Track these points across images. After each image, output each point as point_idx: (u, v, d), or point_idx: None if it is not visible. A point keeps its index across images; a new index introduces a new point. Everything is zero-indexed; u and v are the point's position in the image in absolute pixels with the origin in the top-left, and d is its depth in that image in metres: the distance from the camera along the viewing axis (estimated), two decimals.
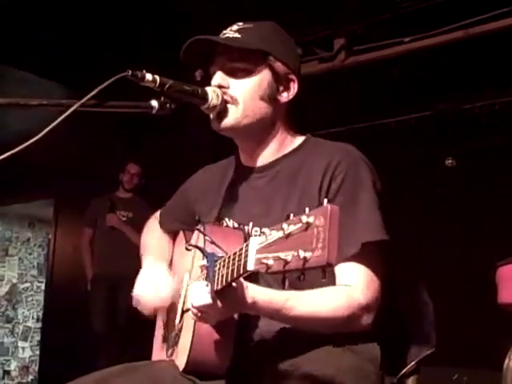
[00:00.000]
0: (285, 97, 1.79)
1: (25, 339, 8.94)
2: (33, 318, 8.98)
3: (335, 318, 1.58)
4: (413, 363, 1.79)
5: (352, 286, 1.62)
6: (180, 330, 1.75)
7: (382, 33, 4.53)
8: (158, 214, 2.18)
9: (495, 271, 3.40)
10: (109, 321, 5.72)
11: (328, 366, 1.58)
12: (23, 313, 9.06)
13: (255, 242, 1.24)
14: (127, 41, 4.74)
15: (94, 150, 6.50)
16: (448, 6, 4.12)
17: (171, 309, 1.92)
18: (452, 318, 3.75)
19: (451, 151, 5.40)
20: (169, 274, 1.93)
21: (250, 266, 1.24)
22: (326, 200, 1.13)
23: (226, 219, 1.84)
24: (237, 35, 1.75)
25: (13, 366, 8.87)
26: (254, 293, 1.49)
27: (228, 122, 1.74)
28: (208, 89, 1.70)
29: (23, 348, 8.91)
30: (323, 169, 1.71)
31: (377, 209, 1.68)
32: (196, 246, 1.61)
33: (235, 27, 1.78)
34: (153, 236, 2.14)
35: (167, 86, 1.57)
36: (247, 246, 1.27)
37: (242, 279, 1.45)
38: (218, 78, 1.75)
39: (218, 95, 1.71)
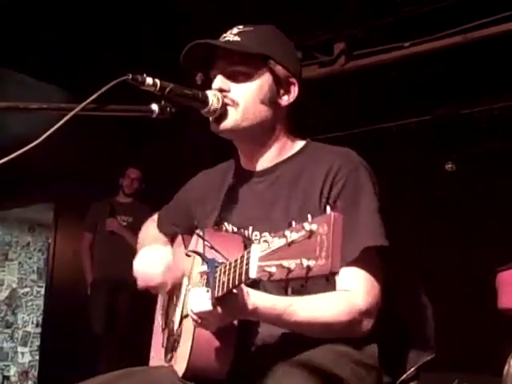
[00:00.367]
0: (285, 100, 1.79)
1: (24, 344, 8.93)
2: (32, 323, 8.97)
3: (336, 324, 1.58)
4: (412, 369, 1.79)
5: (352, 291, 1.61)
6: (179, 336, 1.75)
7: (381, 37, 4.53)
8: (155, 216, 2.17)
9: (495, 276, 3.40)
10: (109, 325, 5.71)
11: (325, 356, 1.58)
12: (23, 318, 9.04)
13: (257, 250, 1.23)
14: (127, 42, 4.74)
15: (94, 154, 6.49)
16: (447, 10, 4.13)
17: (170, 313, 1.92)
18: (452, 323, 3.74)
19: (451, 156, 5.41)
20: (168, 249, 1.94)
21: (253, 274, 1.23)
22: (328, 208, 1.12)
23: (226, 223, 1.83)
24: (237, 38, 1.75)
25: (12, 371, 8.85)
26: (255, 299, 1.49)
27: (227, 123, 1.74)
28: (208, 92, 1.70)
29: (23, 353, 8.90)
30: (324, 174, 1.70)
31: (377, 214, 1.68)
32: (196, 252, 1.61)
33: (235, 30, 1.77)
34: (150, 235, 2.14)
35: (168, 89, 1.57)
36: (249, 253, 1.25)
37: (243, 286, 1.45)
38: (219, 81, 1.75)
39: (218, 99, 1.71)
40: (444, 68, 4.80)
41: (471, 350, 4.78)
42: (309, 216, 1.14)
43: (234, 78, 1.75)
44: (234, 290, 1.42)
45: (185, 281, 1.81)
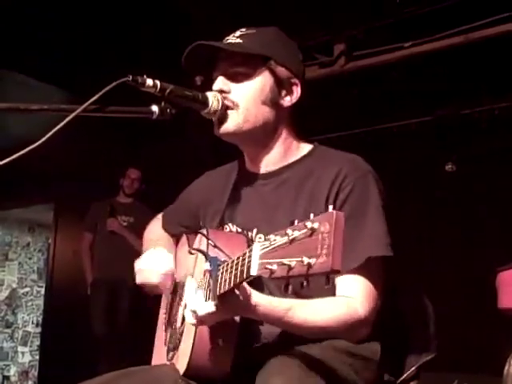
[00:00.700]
0: (288, 101, 1.79)
1: (24, 344, 8.92)
2: (32, 322, 8.96)
3: (335, 328, 1.59)
4: (413, 368, 1.79)
5: (353, 298, 1.62)
6: (181, 334, 1.75)
7: (381, 38, 4.53)
8: (160, 215, 2.17)
9: (495, 276, 3.40)
10: (109, 325, 5.71)
11: (324, 350, 1.58)
12: (23, 317, 9.03)
13: (259, 247, 1.23)
14: (127, 42, 4.74)
15: (94, 154, 6.49)
16: (448, 11, 4.13)
17: (173, 311, 1.92)
18: (452, 323, 3.74)
19: (451, 156, 5.41)
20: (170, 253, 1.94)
21: (254, 271, 1.23)
22: (331, 206, 1.13)
23: (230, 224, 1.84)
24: (239, 41, 1.75)
25: (12, 371, 8.84)
26: (257, 300, 1.49)
27: (229, 127, 1.74)
28: (209, 94, 1.71)
29: (23, 353, 8.89)
30: (331, 179, 1.70)
31: (383, 223, 1.68)
32: (199, 250, 1.61)
33: (238, 33, 1.78)
34: (154, 235, 2.14)
35: (168, 91, 1.58)
36: (251, 250, 1.26)
37: (246, 285, 1.46)
38: (220, 82, 1.75)
39: (218, 100, 1.71)
40: (444, 69, 4.80)
41: (471, 349, 4.78)
42: (311, 215, 1.14)
43: (235, 79, 1.75)
44: (236, 291, 1.43)
45: (188, 279, 1.81)
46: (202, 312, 1.48)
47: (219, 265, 1.45)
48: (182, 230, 2.06)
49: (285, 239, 1.16)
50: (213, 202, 1.93)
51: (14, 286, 9.16)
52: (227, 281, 1.39)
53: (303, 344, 1.60)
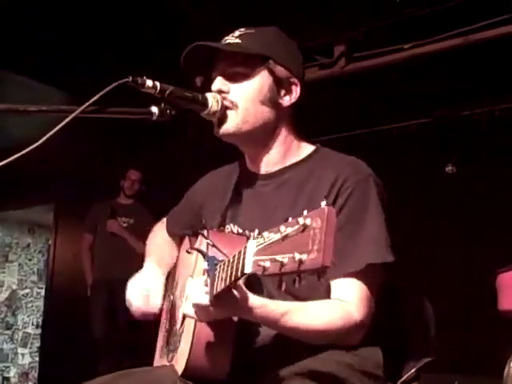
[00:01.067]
0: (287, 100, 1.78)
1: (24, 346, 8.93)
2: (32, 324, 8.96)
3: (330, 332, 1.59)
4: (413, 370, 1.79)
5: (348, 302, 1.61)
6: (181, 335, 1.75)
7: (382, 40, 4.53)
8: (164, 219, 2.18)
9: (495, 278, 3.40)
10: (109, 326, 5.71)
11: (329, 363, 1.58)
12: (23, 319, 9.04)
13: (253, 245, 1.23)
14: (127, 42, 4.74)
15: (94, 155, 6.50)
16: (448, 12, 4.13)
17: (173, 313, 1.92)
18: (452, 325, 3.74)
19: (451, 158, 5.41)
20: (162, 283, 1.93)
21: (248, 269, 1.23)
22: (323, 202, 1.12)
23: (231, 225, 1.84)
24: (238, 41, 1.75)
25: (12, 372, 8.85)
26: (254, 302, 1.49)
27: (228, 127, 1.74)
28: (208, 95, 1.70)
29: (23, 354, 8.89)
30: (331, 182, 1.69)
31: (383, 227, 1.67)
32: (197, 249, 1.62)
33: (237, 33, 1.78)
34: (157, 241, 2.14)
35: (167, 92, 1.58)
36: (245, 248, 1.26)
37: (243, 287, 1.46)
38: (218, 82, 1.75)
39: (217, 101, 1.71)
40: (444, 70, 4.80)
41: (472, 351, 4.78)
42: (304, 211, 1.14)
43: (234, 79, 1.75)
44: (234, 291, 1.43)
45: (188, 280, 1.81)
46: (195, 300, 1.48)
47: (217, 264, 1.45)
48: (185, 232, 2.06)
49: (278, 236, 1.16)
50: (214, 201, 1.93)
51: (14, 287, 9.16)
52: (223, 279, 1.39)
53: (301, 346, 1.60)
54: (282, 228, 1.15)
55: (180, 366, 1.65)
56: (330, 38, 4.71)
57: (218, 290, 1.41)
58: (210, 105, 1.69)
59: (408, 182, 5.40)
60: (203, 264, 1.50)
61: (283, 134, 1.81)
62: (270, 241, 1.18)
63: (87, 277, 5.94)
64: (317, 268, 1.08)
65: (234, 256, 1.35)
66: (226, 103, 1.73)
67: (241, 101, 1.73)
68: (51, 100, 5.53)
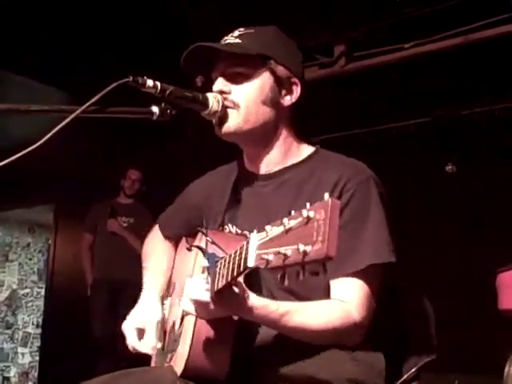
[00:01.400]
0: (288, 100, 1.78)
1: (24, 345, 8.92)
2: (33, 323, 8.96)
3: (329, 333, 1.59)
4: (413, 370, 1.79)
5: (349, 303, 1.62)
6: (179, 336, 1.75)
7: (381, 39, 4.53)
8: (156, 227, 2.16)
9: (495, 277, 3.40)
10: (109, 326, 5.70)
11: (330, 375, 1.58)
12: (23, 319, 9.04)
13: (256, 238, 1.23)
14: (127, 42, 4.74)
15: (94, 155, 6.49)
16: (448, 12, 4.13)
17: (172, 313, 1.92)
18: (452, 324, 3.74)
19: (451, 157, 5.41)
20: (159, 317, 1.92)
21: (251, 263, 1.23)
22: (326, 194, 1.12)
23: (230, 225, 1.84)
24: (237, 41, 1.74)
25: (12, 372, 8.84)
26: (254, 302, 1.49)
27: (229, 127, 1.74)
28: (209, 95, 1.70)
29: (23, 354, 8.89)
30: (333, 183, 1.69)
31: (385, 229, 1.67)
32: (197, 246, 1.62)
33: (236, 33, 1.77)
34: (154, 244, 2.13)
35: (168, 92, 1.58)
36: (248, 242, 1.26)
37: (244, 286, 1.46)
38: (220, 83, 1.74)
39: (218, 101, 1.71)
40: (444, 69, 4.80)
41: (472, 350, 4.78)
42: (307, 203, 1.14)
43: (235, 79, 1.75)
44: (235, 288, 1.43)
45: (187, 280, 1.81)
46: (196, 296, 1.49)
47: (217, 261, 1.45)
48: (180, 232, 2.05)
49: (281, 229, 1.16)
50: (213, 202, 1.93)
51: (14, 286, 9.16)
52: (224, 276, 1.39)
53: (301, 346, 1.60)
54: (286, 221, 1.15)
55: (179, 366, 1.65)
56: (330, 37, 4.71)
57: (219, 286, 1.41)
58: (210, 104, 1.69)
59: (408, 181, 5.40)
60: (203, 261, 1.50)
61: (283, 135, 1.81)
62: (273, 234, 1.18)
63: (87, 276, 5.94)
64: (321, 258, 1.07)
65: (236, 251, 1.35)
66: (228, 103, 1.73)
67: (242, 101, 1.73)
68: (52, 100, 5.53)
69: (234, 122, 1.73)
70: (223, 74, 1.76)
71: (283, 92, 1.78)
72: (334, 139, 5.43)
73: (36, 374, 8.26)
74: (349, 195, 1.67)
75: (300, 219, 1.12)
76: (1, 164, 1.38)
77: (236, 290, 1.44)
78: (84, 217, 6.15)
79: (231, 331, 1.61)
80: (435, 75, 4.92)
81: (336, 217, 1.09)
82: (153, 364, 1.99)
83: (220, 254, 1.48)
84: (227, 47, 1.74)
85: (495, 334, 4.06)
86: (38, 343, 8.53)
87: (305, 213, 1.12)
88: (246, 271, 1.31)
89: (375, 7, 4.35)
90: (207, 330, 1.60)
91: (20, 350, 8.92)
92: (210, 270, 1.45)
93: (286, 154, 1.82)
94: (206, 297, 1.47)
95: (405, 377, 1.79)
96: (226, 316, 1.57)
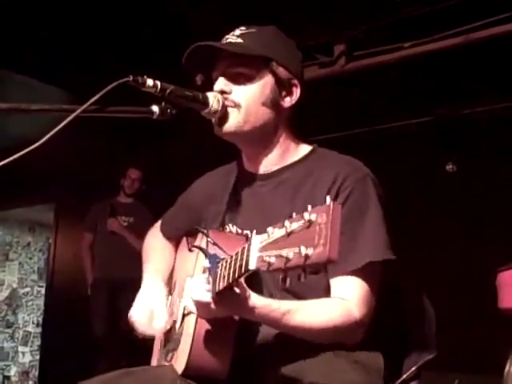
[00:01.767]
0: (288, 102, 1.79)
1: (25, 344, 8.93)
2: (33, 322, 8.97)
3: (331, 331, 1.59)
4: (413, 368, 1.79)
5: (349, 301, 1.62)
6: (180, 334, 1.76)
7: (382, 38, 4.53)
8: (158, 223, 2.17)
9: (496, 276, 3.40)
10: (109, 325, 5.71)
11: (332, 379, 1.58)
12: (23, 318, 9.04)
13: (257, 241, 1.24)
14: (127, 43, 4.74)
15: (95, 154, 6.50)
16: (448, 11, 4.13)
17: (173, 313, 1.92)
18: (453, 323, 3.74)
19: (451, 156, 5.41)
20: (166, 299, 1.92)
21: (252, 265, 1.24)
22: (328, 198, 1.13)
23: (230, 225, 1.84)
24: (239, 40, 1.74)
25: (13, 371, 8.85)
26: (255, 302, 1.50)
27: (230, 127, 1.74)
28: (209, 94, 1.70)
29: (23, 353, 8.90)
30: (330, 181, 1.70)
31: (382, 227, 1.68)
32: (199, 247, 1.62)
33: (237, 32, 1.77)
34: (154, 244, 2.13)
35: (168, 91, 1.58)
36: (250, 244, 1.26)
37: (245, 286, 1.46)
38: (221, 83, 1.74)
39: (218, 100, 1.71)
40: (444, 69, 4.80)
41: (472, 349, 4.78)
42: (309, 206, 1.14)
43: (236, 79, 1.74)
44: (236, 289, 1.43)
45: (188, 280, 1.81)
46: (197, 297, 1.49)
47: (218, 262, 1.45)
48: (180, 233, 2.05)
49: (282, 231, 1.16)
50: (213, 203, 1.93)
51: (15, 285, 9.17)
52: (225, 277, 1.40)
53: (302, 345, 1.60)
54: (287, 224, 1.16)
55: (180, 365, 1.65)
56: (330, 36, 4.71)
57: (220, 287, 1.42)
58: (210, 104, 1.69)
59: (408, 180, 5.40)
60: (204, 262, 1.50)
61: (282, 135, 1.82)
62: (275, 237, 1.19)
63: (87, 275, 5.94)
64: (323, 262, 1.08)
65: (237, 253, 1.35)
66: (228, 103, 1.73)
67: (243, 102, 1.73)
68: (52, 100, 5.53)
69: (235, 121, 1.73)
70: (224, 73, 1.76)
71: (283, 93, 1.78)
72: (334, 139, 5.43)
73: (36, 373, 8.27)
74: (346, 194, 1.68)
75: (302, 222, 1.13)
76: (1, 163, 1.38)
77: (237, 290, 1.44)
78: (84, 216, 6.15)
79: (232, 331, 1.61)
80: (435, 74, 4.92)
81: (338, 220, 1.10)
82: (153, 363, 2.00)
83: (221, 254, 1.49)
84: (229, 47, 1.73)
85: (495, 333, 4.06)
86: (38, 342, 8.54)
87: (306, 216, 1.12)
88: (248, 273, 1.32)
89: (375, 7, 4.35)
90: (208, 330, 1.60)
91: (20, 348, 8.92)
92: (211, 270, 1.46)
93: (284, 154, 1.83)
94: (207, 297, 1.47)
95: (405, 376, 1.79)
96: (227, 316, 1.57)
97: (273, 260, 1.17)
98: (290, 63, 1.79)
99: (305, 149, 1.85)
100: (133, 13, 4.51)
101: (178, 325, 1.82)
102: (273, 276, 1.27)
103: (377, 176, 1.76)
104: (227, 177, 1.95)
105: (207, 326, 1.60)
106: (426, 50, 4.41)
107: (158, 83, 1.56)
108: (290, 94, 1.79)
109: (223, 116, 1.73)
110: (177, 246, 2.09)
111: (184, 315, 1.76)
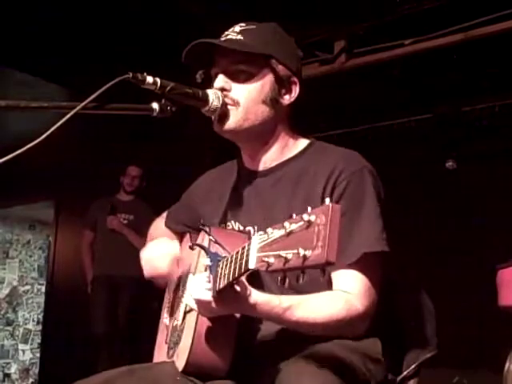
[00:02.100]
0: (287, 99, 1.79)
1: (25, 342, 8.94)
2: (33, 320, 8.97)
3: (334, 324, 1.59)
4: (413, 366, 1.79)
5: (350, 294, 1.62)
6: (182, 331, 1.76)
7: (382, 35, 4.53)
8: (164, 214, 2.17)
9: (496, 273, 3.40)
10: (109, 323, 5.72)
11: (329, 345, 1.58)
12: (23, 315, 9.05)
13: (257, 241, 1.24)
14: (127, 41, 4.74)
15: (95, 152, 6.50)
16: (448, 8, 4.13)
17: (175, 309, 1.93)
18: (453, 320, 3.75)
19: (452, 153, 5.40)
20: (178, 245, 1.93)
21: (252, 265, 1.24)
22: (327, 199, 1.13)
23: (232, 222, 1.85)
24: (240, 37, 1.74)
25: (13, 368, 8.86)
26: (257, 298, 1.50)
27: (229, 124, 1.74)
28: (209, 91, 1.70)
29: (23, 351, 8.90)
30: (327, 174, 1.70)
31: (379, 219, 1.68)
32: (200, 245, 1.62)
33: (237, 28, 1.76)
34: (159, 231, 2.14)
35: (168, 88, 1.57)
36: (249, 244, 1.27)
37: (246, 283, 1.46)
38: (221, 80, 1.74)
39: (218, 97, 1.70)
40: (445, 66, 4.80)
41: (472, 346, 4.79)
42: (308, 208, 1.14)
43: (236, 77, 1.74)
44: (237, 287, 1.43)
45: (190, 277, 1.81)
46: (197, 295, 1.49)
47: (219, 260, 1.45)
48: (184, 229, 2.06)
49: (282, 232, 1.17)
50: (214, 200, 1.94)
51: (15, 283, 9.17)
52: (226, 276, 1.40)
53: (303, 341, 1.60)
54: (287, 224, 1.16)
55: (181, 362, 1.65)
56: (331, 33, 4.71)
57: (221, 286, 1.42)
58: (210, 101, 1.68)
59: (408, 177, 5.40)
60: (205, 260, 1.50)
61: (281, 131, 1.83)
62: (275, 237, 1.19)
63: (87, 273, 5.94)
64: (321, 263, 1.08)
65: (238, 252, 1.36)
66: (228, 101, 1.73)
67: (242, 99, 1.73)
68: (53, 97, 5.54)
69: (234, 119, 1.74)
70: (224, 70, 1.75)
71: (283, 91, 1.79)
72: (334, 136, 5.43)
73: (37, 371, 8.28)
74: (342, 187, 1.68)
75: (301, 223, 1.13)
76: (1, 161, 1.38)
77: (238, 289, 1.44)
78: (84, 214, 6.15)
79: (233, 328, 1.61)
80: (436, 72, 4.92)
81: (336, 222, 1.10)
82: (155, 360, 2.00)
83: (222, 253, 1.49)
84: (230, 44, 1.72)
85: (495, 331, 4.07)
86: (38, 340, 8.55)
87: (306, 217, 1.13)
88: (247, 273, 1.32)
89: (375, 4, 4.35)
90: (209, 327, 1.60)
91: (21, 346, 8.93)
92: (212, 269, 1.46)
93: (283, 149, 1.83)
94: (207, 296, 1.47)
95: (405, 373, 1.79)
96: (228, 313, 1.57)
97: (272, 260, 1.17)
98: (289, 61, 1.79)
99: (302, 143, 1.86)
100: (132, 10, 4.51)
101: (179, 322, 1.82)
102: (271, 275, 1.27)
103: (376, 173, 1.76)
104: (227, 175, 1.96)
105: (208, 324, 1.60)
106: (427, 47, 4.41)
107: (158, 80, 1.56)
108: (289, 91, 1.79)
109: (223, 113, 1.73)
110: (180, 240, 2.09)
111: (185, 312, 1.77)
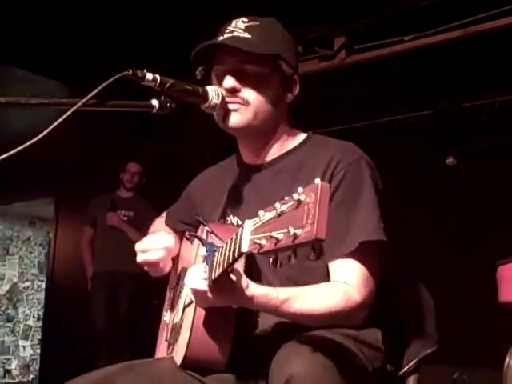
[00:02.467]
0: (289, 97, 1.81)
1: (25, 338, 8.96)
2: (33, 316, 8.99)
3: (332, 315, 1.59)
4: (414, 361, 1.80)
5: (348, 284, 1.62)
6: (180, 326, 1.76)
7: (382, 31, 4.53)
8: (164, 213, 2.18)
9: (496, 270, 3.40)
10: (109, 319, 5.72)
11: (325, 332, 1.58)
12: (24, 312, 9.07)
13: (249, 224, 1.25)
14: (127, 39, 4.74)
15: (95, 148, 6.50)
16: (448, 4, 4.13)
17: (174, 305, 1.93)
18: (453, 316, 3.75)
19: (452, 150, 5.40)
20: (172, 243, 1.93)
21: (245, 248, 1.24)
22: (317, 179, 1.13)
23: (231, 216, 1.85)
24: (246, 35, 1.73)
25: (14, 364, 8.88)
26: (253, 289, 1.50)
27: (237, 122, 1.74)
28: (208, 88, 1.70)
29: (24, 347, 8.92)
30: (324, 165, 1.71)
31: (376, 208, 1.68)
32: (196, 236, 1.63)
33: (241, 25, 1.75)
34: (162, 227, 2.14)
35: (168, 85, 1.57)
36: (242, 228, 1.27)
37: (241, 272, 1.47)
38: (231, 80, 1.73)
39: (218, 94, 1.70)
40: (444, 62, 4.80)
41: (472, 342, 4.79)
42: (299, 188, 1.15)
43: (244, 76, 1.74)
44: (232, 276, 1.44)
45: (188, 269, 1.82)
46: (193, 285, 1.50)
47: (215, 250, 1.46)
48: (184, 227, 2.06)
49: (273, 213, 1.18)
50: (213, 196, 1.94)
51: (15, 280, 9.19)
52: (221, 264, 1.40)
53: (302, 332, 1.61)
54: (278, 205, 1.17)
55: (179, 356, 1.66)
56: (331, 30, 4.71)
57: (216, 274, 1.42)
58: (210, 98, 1.68)
59: (408, 174, 5.40)
60: (202, 251, 1.51)
61: (282, 127, 1.84)
62: (266, 219, 1.20)
63: (87, 270, 5.94)
64: (311, 241, 1.08)
65: (232, 239, 1.36)
66: (238, 100, 1.73)
67: (252, 99, 1.74)
68: (53, 94, 5.54)
69: (244, 118, 1.74)
70: (231, 69, 1.74)
71: (286, 89, 1.80)
72: (334, 132, 5.43)
73: (37, 367, 8.30)
74: (340, 177, 1.69)
75: (291, 203, 1.14)
76: (1, 157, 1.39)
77: (233, 277, 1.45)
78: (84, 210, 6.15)
79: (231, 321, 1.62)
80: (436, 68, 4.91)
81: (326, 200, 1.10)
82: (157, 356, 2.00)
83: (218, 243, 1.49)
84: (240, 43, 1.70)
85: (495, 327, 4.07)
86: (38, 336, 8.57)
87: (296, 196, 1.13)
88: (241, 257, 1.32)
89: (375, 0, 4.35)
90: (206, 320, 1.60)
91: (21, 342, 8.95)
92: (208, 258, 1.46)
93: (282, 144, 1.85)
94: (203, 285, 1.48)
95: (405, 369, 1.80)
96: (226, 306, 1.57)
97: (264, 242, 1.18)
98: (292, 59, 1.80)
99: (300, 136, 1.88)
100: (132, 7, 4.51)
101: (178, 318, 1.82)
102: (269, 264, 1.27)
103: (376, 169, 1.77)
104: (226, 171, 1.97)
105: (206, 317, 1.61)
106: (426, 43, 4.41)
107: (158, 77, 1.56)
108: (291, 90, 1.81)
109: (229, 111, 1.73)
110: (181, 239, 2.10)
111: (184, 307, 1.77)
